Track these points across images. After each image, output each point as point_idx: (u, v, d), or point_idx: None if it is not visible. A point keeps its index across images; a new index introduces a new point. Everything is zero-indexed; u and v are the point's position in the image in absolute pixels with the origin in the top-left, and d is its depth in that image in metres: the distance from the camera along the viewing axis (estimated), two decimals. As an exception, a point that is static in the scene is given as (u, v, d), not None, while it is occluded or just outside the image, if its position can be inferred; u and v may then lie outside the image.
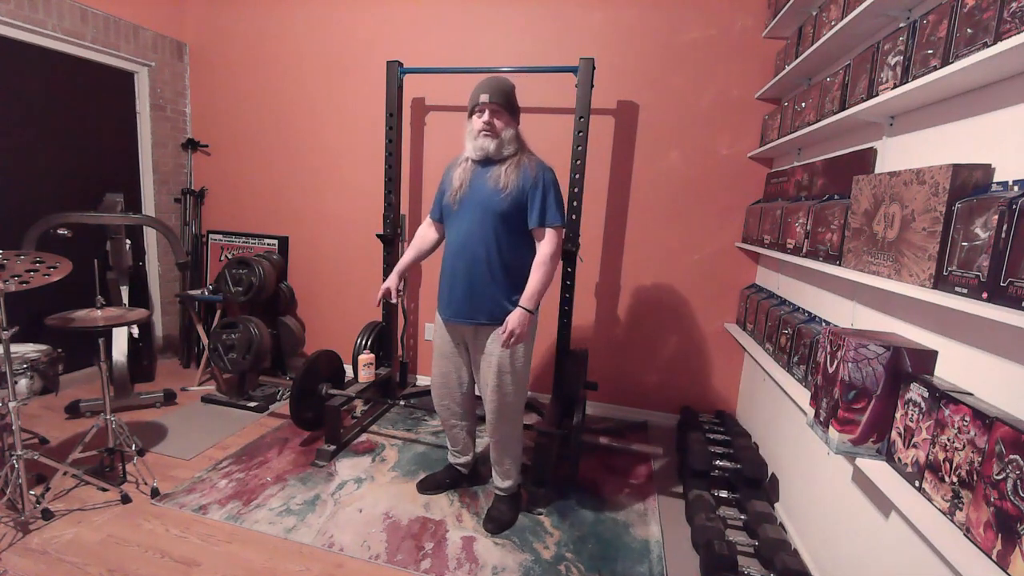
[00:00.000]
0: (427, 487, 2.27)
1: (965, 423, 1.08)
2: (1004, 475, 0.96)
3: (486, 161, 1.87)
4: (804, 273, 2.20)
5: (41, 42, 2.83)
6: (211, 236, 3.77)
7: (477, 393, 2.12)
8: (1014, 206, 0.98)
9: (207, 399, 3.08)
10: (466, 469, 2.31)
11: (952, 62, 1.20)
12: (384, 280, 3.10)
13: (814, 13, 2.10)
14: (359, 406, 3.03)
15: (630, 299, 3.10)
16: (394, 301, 2.12)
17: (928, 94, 1.36)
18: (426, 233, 2.15)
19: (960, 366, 1.23)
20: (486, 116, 1.81)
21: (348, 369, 3.05)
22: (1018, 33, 1.00)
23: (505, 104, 1.82)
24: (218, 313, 3.43)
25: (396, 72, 2.87)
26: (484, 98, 1.80)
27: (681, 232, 2.95)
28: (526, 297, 1.81)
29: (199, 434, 2.67)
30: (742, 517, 2.07)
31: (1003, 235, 1.00)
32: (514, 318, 1.80)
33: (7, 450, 1.94)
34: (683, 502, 2.29)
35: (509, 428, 2.03)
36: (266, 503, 2.13)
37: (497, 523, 2.05)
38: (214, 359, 3.07)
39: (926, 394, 1.22)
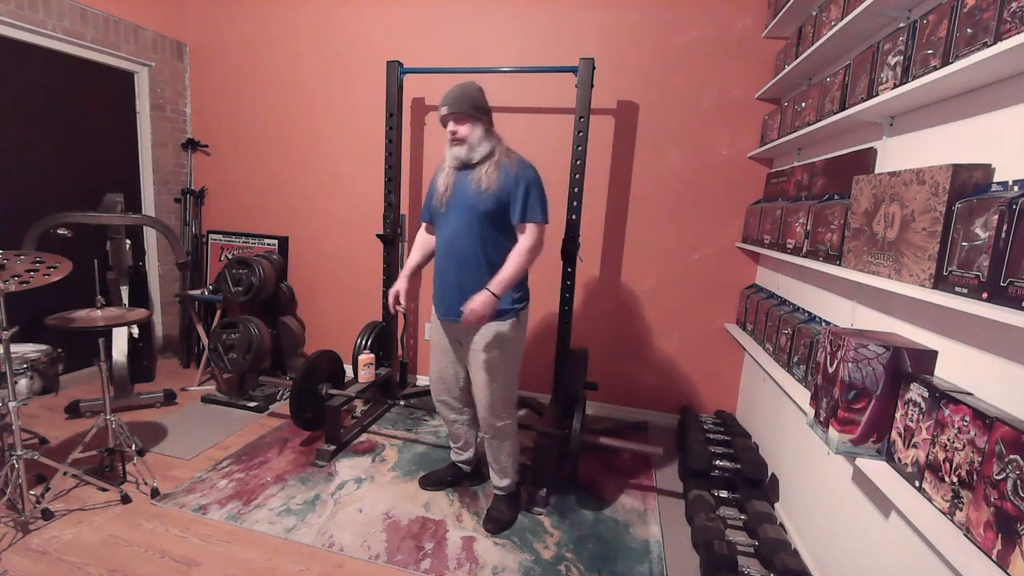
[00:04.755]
0: (429, 483, 2.29)
1: (965, 423, 1.08)
2: (1004, 475, 0.96)
3: (465, 165, 1.93)
4: (804, 273, 2.20)
5: (41, 42, 2.83)
6: (211, 236, 3.77)
7: None
8: (1014, 206, 0.98)
9: (207, 399, 3.08)
10: (468, 467, 2.31)
11: (952, 62, 1.20)
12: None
13: (814, 13, 2.10)
14: (359, 406, 3.03)
15: (630, 299, 3.10)
16: (400, 307, 2.13)
17: (928, 94, 1.36)
18: (425, 236, 2.20)
19: (960, 366, 1.23)
20: (450, 126, 1.89)
21: (348, 369, 3.05)
22: (1018, 33, 1.00)
23: (465, 109, 1.86)
24: (218, 313, 3.43)
25: (396, 72, 2.88)
26: (444, 111, 1.89)
27: (681, 232, 2.95)
28: (495, 282, 1.84)
29: (199, 434, 2.67)
30: (742, 517, 2.06)
31: (1003, 235, 1.00)
32: (477, 297, 1.83)
33: (7, 450, 1.94)
34: (683, 502, 2.29)
35: (500, 424, 2.04)
36: (266, 503, 2.13)
37: (497, 523, 2.06)
38: (214, 359, 3.07)
39: (926, 394, 1.22)
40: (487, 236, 1.89)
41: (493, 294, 1.82)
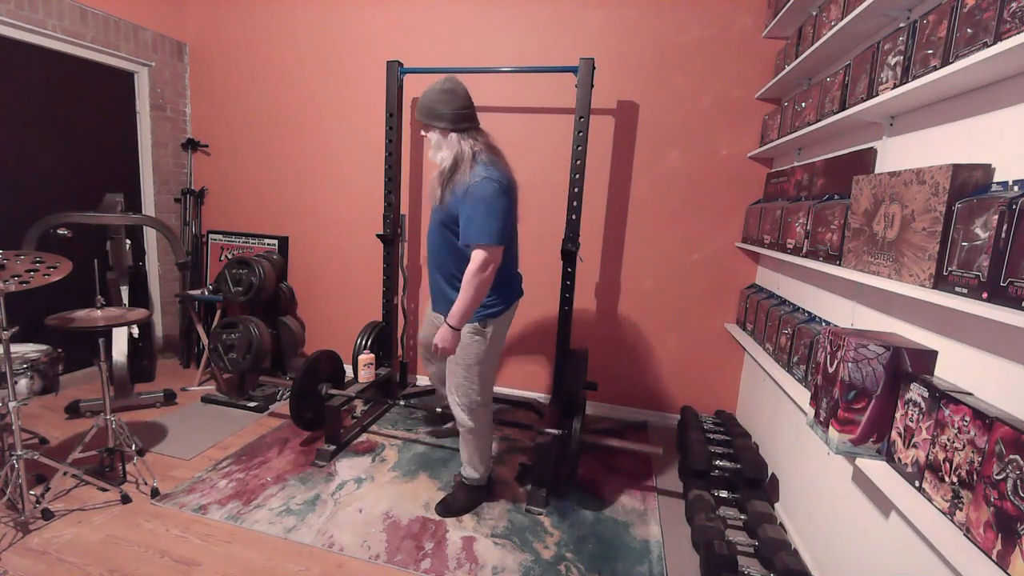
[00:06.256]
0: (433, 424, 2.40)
1: (965, 423, 1.08)
2: (1004, 475, 0.96)
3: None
4: (804, 273, 2.20)
5: (41, 42, 2.83)
6: (211, 236, 3.77)
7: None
8: (1014, 206, 0.98)
9: (207, 399, 3.08)
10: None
11: (952, 62, 1.20)
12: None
13: (814, 13, 2.10)
14: (359, 406, 3.03)
15: (630, 299, 3.09)
16: None
17: (928, 94, 1.36)
18: None
19: (960, 366, 1.23)
20: (423, 133, 1.90)
21: (348, 369, 3.05)
22: (1018, 33, 1.00)
23: (421, 118, 1.85)
24: (218, 313, 3.43)
25: (396, 72, 2.87)
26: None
27: (681, 232, 2.95)
28: (451, 315, 1.82)
29: (199, 434, 2.67)
30: (742, 517, 2.07)
31: (1003, 235, 1.00)
32: (439, 334, 1.85)
33: (7, 450, 1.94)
34: (683, 502, 2.29)
35: (468, 419, 2.05)
36: (266, 503, 2.13)
37: (446, 507, 2.14)
38: (214, 359, 3.07)
39: (926, 394, 1.22)
40: (449, 246, 1.87)
41: (451, 327, 1.82)
